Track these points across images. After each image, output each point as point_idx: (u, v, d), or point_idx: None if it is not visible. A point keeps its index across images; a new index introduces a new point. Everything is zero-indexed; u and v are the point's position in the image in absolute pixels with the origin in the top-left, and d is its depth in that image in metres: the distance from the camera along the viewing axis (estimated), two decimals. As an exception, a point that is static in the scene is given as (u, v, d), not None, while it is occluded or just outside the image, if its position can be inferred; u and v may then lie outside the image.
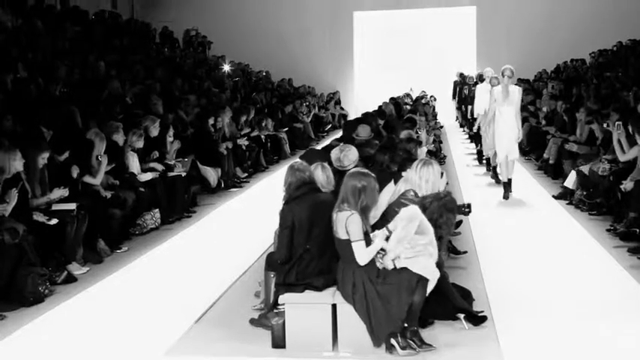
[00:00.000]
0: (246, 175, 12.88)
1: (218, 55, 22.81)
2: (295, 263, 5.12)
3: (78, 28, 16.08)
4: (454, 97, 21.71)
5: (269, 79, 22.62)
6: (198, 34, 23.70)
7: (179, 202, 9.63)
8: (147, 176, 9.08)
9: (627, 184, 7.97)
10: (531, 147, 14.72)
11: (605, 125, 9.77)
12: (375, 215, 5.45)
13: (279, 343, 5.10)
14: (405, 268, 4.93)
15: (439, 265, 5.19)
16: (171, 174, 9.66)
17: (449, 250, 7.00)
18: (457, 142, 18.24)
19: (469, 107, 16.86)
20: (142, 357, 5.15)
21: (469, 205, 5.67)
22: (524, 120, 14.73)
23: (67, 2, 18.09)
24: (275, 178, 5.20)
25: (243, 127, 13.99)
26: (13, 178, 6.67)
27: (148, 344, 5.33)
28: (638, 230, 7.63)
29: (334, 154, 6.65)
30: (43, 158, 7.17)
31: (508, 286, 6.44)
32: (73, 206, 7.18)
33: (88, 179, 8.02)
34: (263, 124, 14.94)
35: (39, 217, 6.85)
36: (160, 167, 9.45)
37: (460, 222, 7.87)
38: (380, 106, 13.62)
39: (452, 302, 5.44)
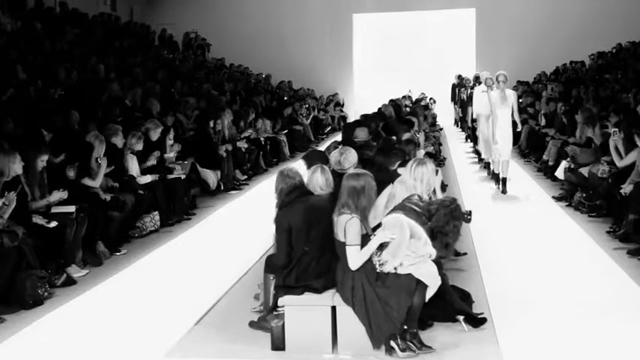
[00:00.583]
0: (245, 177, 12.88)
1: (217, 57, 22.84)
2: (295, 265, 5.12)
3: (77, 30, 16.10)
4: (452, 100, 21.79)
5: (268, 82, 22.63)
6: (198, 37, 23.72)
7: (178, 204, 9.63)
8: (146, 179, 9.07)
9: (627, 188, 7.97)
10: (531, 149, 14.73)
11: (605, 128, 9.79)
12: (375, 216, 5.44)
13: (278, 345, 5.10)
14: (404, 271, 4.95)
15: (439, 265, 5.19)
16: (170, 176, 9.66)
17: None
18: (457, 144, 18.26)
19: (468, 109, 16.93)
20: (141, 359, 5.15)
21: (470, 213, 5.69)
22: (523, 122, 15.10)
23: (66, 5, 18.07)
24: (274, 181, 5.18)
25: (244, 130, 14.00)
26: (13, 181, 6.67)
27: (148, 346, 5.33)
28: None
29: (334, 156, 6.65)
30: (42, 161, 7.17)
31: (508, 287, 6.44)
32: (72, 209, 7.18)
33: (87, 182, 8.01)
34: (259, 126, 14.94)
35: (38, 220, 6.84)
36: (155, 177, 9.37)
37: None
38: (379, 108, 13.63)
39: (451, 304, 5.43)
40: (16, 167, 6.70)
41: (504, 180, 11.15)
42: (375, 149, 7.69)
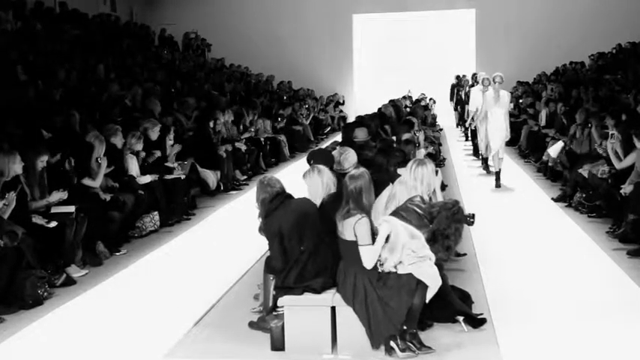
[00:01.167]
0: (245, 177, 12.88)
1: (217, 57, 22.84)
2: (293, 266, 5.13)
3: (77, 30, 16.09)
4: (451, 100, 21.84)
5: (271, 83, 22.63)
6: (198, 37, 23.71)
7: (178, 204, 9.63)
8: (146, 179, 9.07)
9: (627, 188, 7.97)
10: (530, 149, 14.73)
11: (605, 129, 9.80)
12: (375, 216, 5.44)
13: (278, 345, 5.10)
14: (405, 271, 4.95)
15: (439, 266, 5.19)
16: (170, 177, 9.66)
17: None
18: (456, 145, 18.25)
19: (465, 107, 17.09)
20: (141, 359, 5.15)
21: (473, 215, 5.69)
22: (523, 122, 15.31)
23: (66, 5, 18.07)
24: (255, 191, 5.24)
25: (245, 131, 14.00)
26: (12, 181, 6.67)
27: (147, 347, 5.33)
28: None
29: (334, 157, 6.65)
30: (42, 161, 7.17)
31: (507, 288, 6.44)
32: (72, 209, 7.17)
33: (87, 182, 8.02)
34: (259, 126, 14.94)
35: (38, 220, 6.85)
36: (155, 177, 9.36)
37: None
38: (379, 109, 13.63)
39: (451, 304, 5.43)
40: (16, 167, 6.70)
41: (498, 174, 11.82)
42: (375, 150, 7.69)
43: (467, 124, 16.44)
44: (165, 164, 9.95)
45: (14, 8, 14.87)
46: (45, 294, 6.37)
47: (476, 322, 5.44)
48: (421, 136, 11.56)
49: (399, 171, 6.40)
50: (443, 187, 9.16)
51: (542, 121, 14.68)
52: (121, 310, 6.21)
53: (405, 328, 4.93)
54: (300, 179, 5.69)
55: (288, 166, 14.80)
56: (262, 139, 14.60)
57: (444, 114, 22.34)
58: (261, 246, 7.57)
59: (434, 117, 19.42)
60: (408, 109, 15.93)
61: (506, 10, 24.14)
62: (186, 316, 5.90)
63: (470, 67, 22.82)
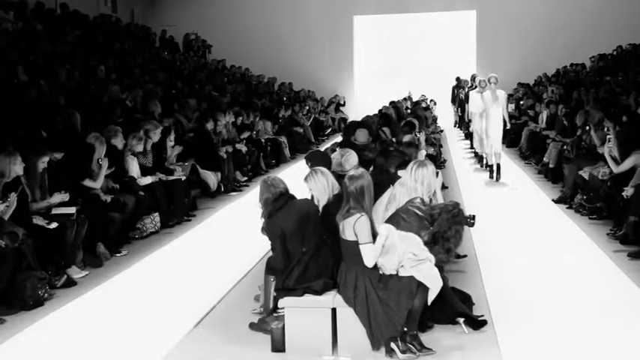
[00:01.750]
0: (245, 179, 12.88)
1: (218, 59, 22.84)
2: (294, 267, 5.13)
3: (78, 32, 16.11)
4: (453, 102, 21.90)
5: (272, 84, 22.64)
6: (198, 38, 23.73)
7: (179, 206, 9.63)
8: (146, 180, 9.07)
9: (628, 191, 7.95)
10: (531, 151, 14.73)
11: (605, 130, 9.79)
12: (375, 218, 5.45)
13: (278, 347, 5.10)
14: (405, 273, 4.95)
15: (439, 268, 5.19)
16: (171, 178, 9.66)
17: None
18: (457, 146, 18.26)
19: (465, 107, 17.16)
20: (141, 361, 5.16)
21: (474, 217, 5.69)
22: (524, 124, 15.37)
23: (67, 6, 18.09)
24: (258, 191, 5.26)
25: (246, 132, 14.00)
26: (13, 182, 6.67)
27: (148, 348, 5.33)
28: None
29: (335, 158, 6.65)
30: (43, 162, 7.17)
31: (508, 289, 6.44)
32: (72, 210, 7.18)
33: (88, 183, 8.02)
34: (259, 128, 14.94)
35: (39, 221, 6.84)
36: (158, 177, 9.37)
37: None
38: (380, 110, 13.64)
39: (452, 306, 5.43)
40: (17, 168, 6.70)
41: (498, 167, 12.48)
42: (376, 151, 7.69)
43: (468, 126, 16.56)
44: (166, 165, 9.95)
45: (15, 9, 14.89)
46: (45, 295, 6.36)
47: (476, 323, 5.43)
48: (422, 137, 11.57)
49: (400, 173, 6.40)
50: (443, 188, 9.16)
51: (543, 123, 14.70)
52: (122, 311, 6.20)
53: (405, 329, 4.93)
54: (300, 180, 5.69)
55: (288, 168, 14.80)
56: (263, 141, 14.60)
57: (445, 115, 22.36)
58: (261, 247, 7.59)
59: (434, 118, 19.44)
60: (408, 111, 15.94)
61: (506, 11, 24.15)
62: (186, 318, 5.90)
63: (470, 69, 22.80)
